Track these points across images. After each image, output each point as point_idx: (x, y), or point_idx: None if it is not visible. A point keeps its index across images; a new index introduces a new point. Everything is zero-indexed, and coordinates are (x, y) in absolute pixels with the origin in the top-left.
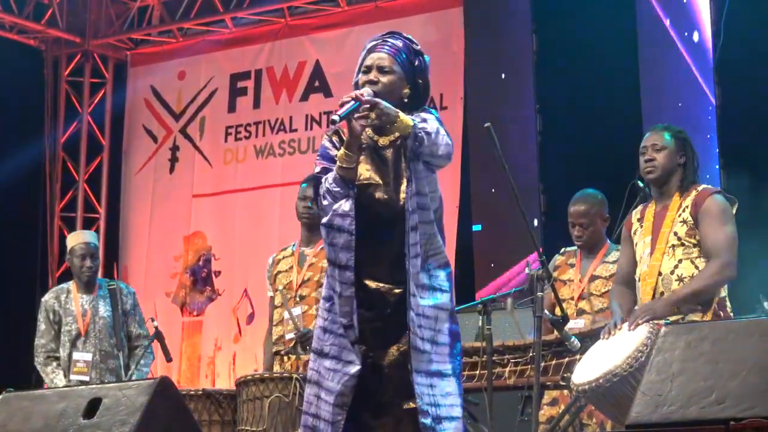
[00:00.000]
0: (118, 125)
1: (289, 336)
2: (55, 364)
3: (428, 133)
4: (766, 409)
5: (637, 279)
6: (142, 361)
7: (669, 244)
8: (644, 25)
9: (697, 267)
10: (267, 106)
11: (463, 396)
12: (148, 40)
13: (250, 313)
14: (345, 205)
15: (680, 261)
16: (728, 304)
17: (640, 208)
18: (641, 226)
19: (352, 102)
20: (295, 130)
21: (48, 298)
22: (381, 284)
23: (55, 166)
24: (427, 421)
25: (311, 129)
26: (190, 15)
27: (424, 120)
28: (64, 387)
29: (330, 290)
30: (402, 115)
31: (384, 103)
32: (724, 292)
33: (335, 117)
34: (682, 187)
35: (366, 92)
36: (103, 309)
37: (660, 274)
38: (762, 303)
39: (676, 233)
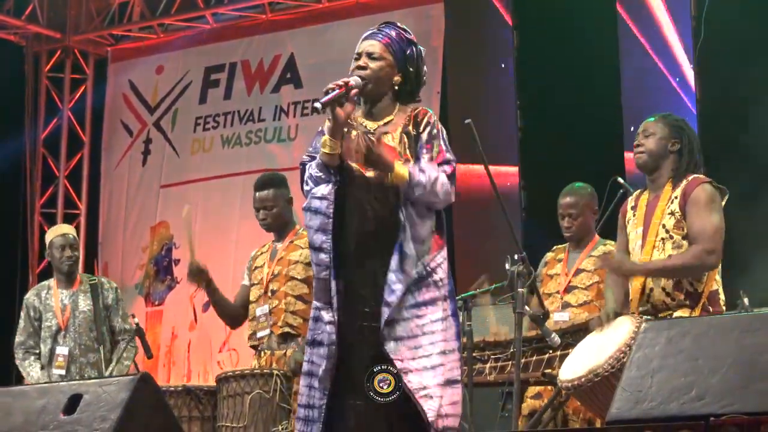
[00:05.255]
0: (99, 121)
1: (261, 334)
2: (33, 358)
3: (424, 186)
4: (745, 405)
5: None
6: (124, 354)
7: (659, 237)
8: (626, 22)
9: None
10: (238, 97)
11: None
12: (129, 36)
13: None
14: (324, 189)
15: (669, 257)
16: (721, 297)
17: (636, 194)
18: (634, 215)
19: (337, 90)
20: (263, 120)
21: (29, 295)
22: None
23: (35, 163)
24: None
25: (279, 119)
26: (171, 11)
27: (422, 170)
28: (44, 383)
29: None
30: (398, 167)
31: (382, 151)
32: (716, 285)
33: (318, 104)
34: (676, 176)
35: (353, 80)
36: (84, 303)
37: None
38: (742, 299)
39: (664, 225)
